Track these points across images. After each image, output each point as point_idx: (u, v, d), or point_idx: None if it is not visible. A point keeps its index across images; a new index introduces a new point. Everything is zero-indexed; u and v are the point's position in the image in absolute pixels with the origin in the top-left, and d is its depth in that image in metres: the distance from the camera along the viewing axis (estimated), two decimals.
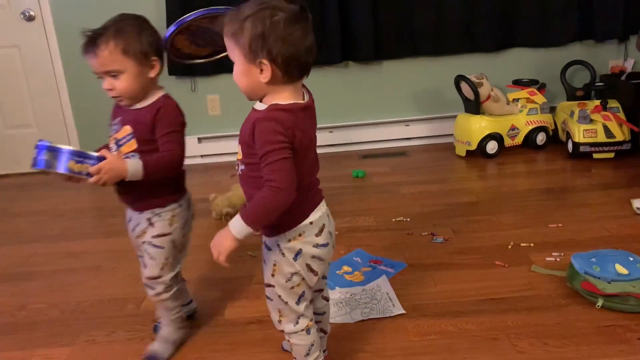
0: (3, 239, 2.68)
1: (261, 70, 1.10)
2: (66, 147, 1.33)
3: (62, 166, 1.32)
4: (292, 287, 1.24)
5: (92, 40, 1.37)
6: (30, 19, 3.48)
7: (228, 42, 1.13)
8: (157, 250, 1.51)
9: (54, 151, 1.32)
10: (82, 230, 2.73)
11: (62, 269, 2.26)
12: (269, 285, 1.27)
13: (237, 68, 1.14)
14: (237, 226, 1.14)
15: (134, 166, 1.39)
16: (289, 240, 1.21)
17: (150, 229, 1.51)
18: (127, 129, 1.44)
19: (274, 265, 1.24)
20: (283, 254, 1.22)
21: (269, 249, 1.25)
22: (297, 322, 1.28)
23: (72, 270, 2.24)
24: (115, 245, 2.45)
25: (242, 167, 1.21)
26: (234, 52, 1.13)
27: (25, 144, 3.74)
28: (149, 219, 1.51)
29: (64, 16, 3.46)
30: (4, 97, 3.67)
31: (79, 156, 1.34)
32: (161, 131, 1.43)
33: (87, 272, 2.21)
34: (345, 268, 2.03)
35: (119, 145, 1.46)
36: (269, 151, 1.09)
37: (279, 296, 1.26)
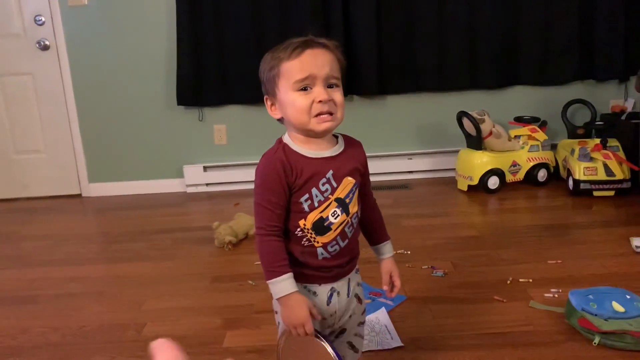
0: (8, 262, 2.71)
1: None
2: None
3: None
4: None
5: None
6: (45, 48, 3.58)
7: (338, 74, 1.08)
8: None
9: None
10: (86, 255, 2.76)
11: (65, 294, 2.28)
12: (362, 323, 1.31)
13: (342, 97, 1.09)
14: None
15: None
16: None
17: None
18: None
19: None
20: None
21: (360, 284, 1.28)
22: None
23: (75, 295, 2.26)
24: (117, 271, 2.48)
25: (355, 219, 1.16)
26: (339, 82, 1.09)
27: (34, 169, 3.81)
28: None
29: (78, 48, 3.56)
30: (16, 122, 3.75)
31: None
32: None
33: (89, 297, 2.24)
34: None
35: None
36: None
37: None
